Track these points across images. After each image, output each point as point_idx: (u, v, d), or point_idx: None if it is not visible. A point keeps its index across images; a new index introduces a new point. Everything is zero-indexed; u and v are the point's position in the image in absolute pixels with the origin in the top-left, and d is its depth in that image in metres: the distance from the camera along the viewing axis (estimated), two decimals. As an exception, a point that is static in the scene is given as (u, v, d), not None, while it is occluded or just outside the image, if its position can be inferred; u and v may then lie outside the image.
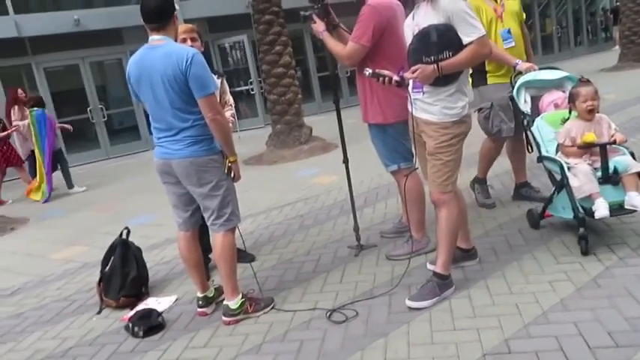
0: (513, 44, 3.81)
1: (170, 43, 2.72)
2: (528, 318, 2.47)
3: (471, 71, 3.85)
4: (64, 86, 11.78)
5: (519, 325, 2.43)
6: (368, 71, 2.78)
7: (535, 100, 3.59)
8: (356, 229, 3.73)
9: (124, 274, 3.42)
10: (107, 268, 3.49)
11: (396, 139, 3.32)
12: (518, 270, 3.00)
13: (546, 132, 3.40)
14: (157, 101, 2.73)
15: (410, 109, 2.86)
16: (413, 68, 2.62)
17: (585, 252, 3.02)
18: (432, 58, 2.60)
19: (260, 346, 2.63)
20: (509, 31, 3.81)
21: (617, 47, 14.20)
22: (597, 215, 2.92)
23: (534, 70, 3.61)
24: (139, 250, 3.64)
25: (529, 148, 3.80)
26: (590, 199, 2.97)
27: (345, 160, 3.68)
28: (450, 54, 2.59)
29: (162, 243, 4.62)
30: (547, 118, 3.44)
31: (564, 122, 3.23)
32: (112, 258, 3.51)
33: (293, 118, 8.45)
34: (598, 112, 3.17)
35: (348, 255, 3.66)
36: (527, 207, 3.76)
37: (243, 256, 3.78)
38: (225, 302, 2.95)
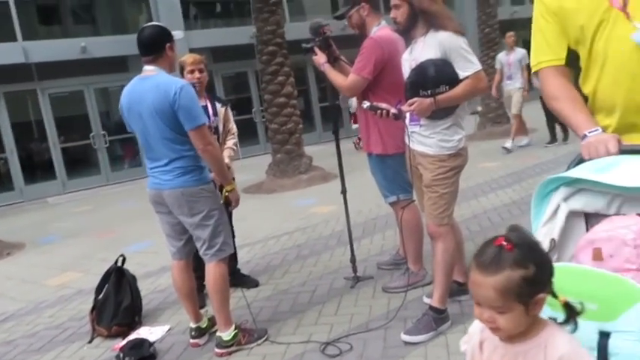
0: None
1: (161, 74, 2.73)
2: (525, 355, 2.43)
3: None
4: (68, 112, 11.90)
5: (516, 362, 2.39)
6: (366, 104, 2.81)
7: (582, 223, 1.44)
8: (353, 260, 3.70)
9: (117, 303, 3.38)
10: (101, 295, 3.46)
11: (395, 170, 3.32)
12: (515, 305, 2.95)
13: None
14: (146, 132, 2.75)
15: (407, 142, 2.88)
16: (410, 101, 2.65)
17: None
18: (429, 91, 2.63)
19: (252, 379, 2.58)
20: None
21: None
22: None
23: (611, 151, 1.39)
24: (133, 278, 3.61)
25: None
26: None
27: (343, 191, 3.68)
28: (447, 88, 2.62)
29: (158, 271, 4.58)
30: (560, 277, 1.20)
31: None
32: (106, 286, 3.48)
33: (293, 147, 8.49)
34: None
35: (344, 286, 3.62)
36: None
37: (248, 280, 3.85)
38: (218, 333, 2.90)
